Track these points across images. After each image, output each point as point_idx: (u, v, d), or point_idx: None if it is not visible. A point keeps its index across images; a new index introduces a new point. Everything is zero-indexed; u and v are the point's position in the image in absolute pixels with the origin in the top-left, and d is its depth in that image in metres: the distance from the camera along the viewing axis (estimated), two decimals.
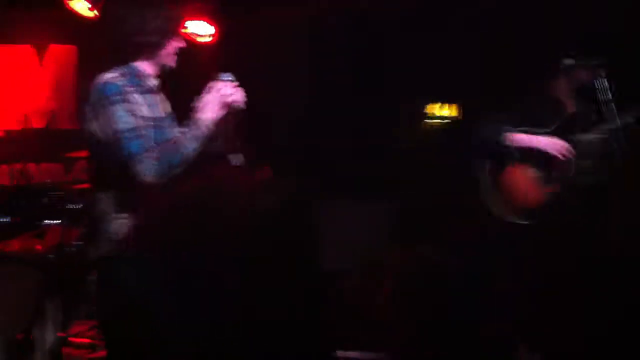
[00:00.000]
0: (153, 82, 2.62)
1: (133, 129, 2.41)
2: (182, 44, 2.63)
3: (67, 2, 4.61)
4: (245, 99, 2.56)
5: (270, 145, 4.54)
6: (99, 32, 4.77)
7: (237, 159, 2.63)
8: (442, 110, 5.37)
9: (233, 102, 2.55)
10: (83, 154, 4.81)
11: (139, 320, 2.47)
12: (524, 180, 3.47)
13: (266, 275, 4.18)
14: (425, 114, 5.35)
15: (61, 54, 5.38)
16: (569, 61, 3.43)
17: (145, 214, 2.53)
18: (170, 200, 2.57)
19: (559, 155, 3.37)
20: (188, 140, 2.47)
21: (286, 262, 4.30)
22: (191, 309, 2.55)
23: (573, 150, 3.38)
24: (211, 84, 2.56)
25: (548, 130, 3.45)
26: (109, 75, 2.48)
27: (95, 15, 4.62)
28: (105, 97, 2.43)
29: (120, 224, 2.50)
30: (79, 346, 3.81)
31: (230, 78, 2.58)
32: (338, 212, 4.77)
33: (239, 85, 2.58)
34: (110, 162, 2.46)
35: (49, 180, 5.01)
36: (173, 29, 2.60)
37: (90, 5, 4.59)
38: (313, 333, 3.50)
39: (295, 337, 3.45)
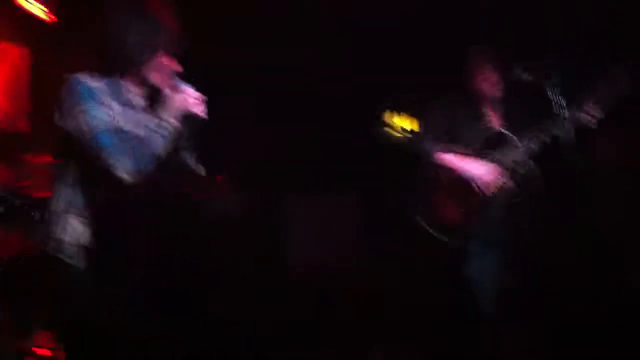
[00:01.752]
0: (137, 100, 2.54)
1: (105, 125, 2.37)
2: (173, 65, 2.53)
3: (21, 2, 4.54)
4: (205, 110, 2.54)
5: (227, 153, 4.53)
6: (54, 35, 4.75)
7: (195, 166, 2.64)
8: (399, 120, 5.44)
9: (193, 109, 2.52)
10: (40, 157, 4.78)
11: (96, 325, 2.46)
12: (449, 198, 3.56)
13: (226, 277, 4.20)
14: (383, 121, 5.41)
15: (13, 54, 5.28)
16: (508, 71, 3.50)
17: (104, 217, 2.52)
18: (129, 203, 2.56)
19: (485, 180, 3.47)
20: (158, 138, 2.44)
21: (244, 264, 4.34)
22: (147, 310, 2.59)
23: (498, 173, 3.46)
24: (177, 86, 2.52)
25: (475, 146, 3.56)
26: (85, 75, 2.44)
27: (51, 18, 4.56)
28: (79, 95, 2.40)
29: (79, 226, 2.48)
30: (41, 358, 3.72)
31: (187, 86, 2.56)
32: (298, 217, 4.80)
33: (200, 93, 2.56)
34: (80, 159, 2.44)
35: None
36: (158, 45, 2.48)
37: (46, 10, 4.53)
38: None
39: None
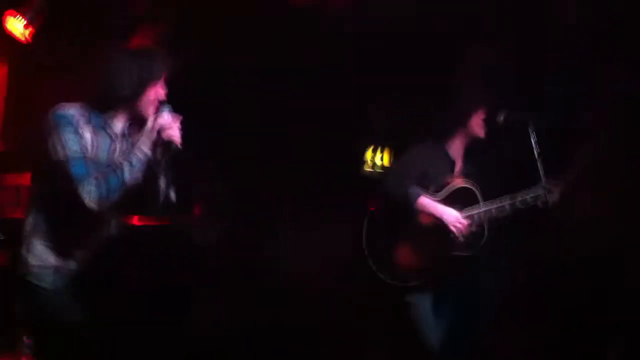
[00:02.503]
0: (117, 129, 2.59)
1: (78, 155, 2.44)
2: (161, 94, 2.58)
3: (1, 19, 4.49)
4: (181, 136, 2.56)
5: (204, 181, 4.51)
6: (31, 54, 4.69)
7: (170, 195, 2.61)
8: (377, 156, 5.45)
9: (170, 137, 2.54)
10: (11, 177, 4.68)
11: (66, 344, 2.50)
12: (418, 244, 3.53)
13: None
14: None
15: None
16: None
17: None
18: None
19: (452, 228, 3.45)
20: (126, 167, 2.48)
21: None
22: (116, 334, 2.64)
23: (465, 224, 3.46)
24: (154, 115, 2.56)
25: (438, 195, 3.53)
26: (68, 105, 2.51)
27: (28, 38, 4.52)
28: (57, 122, 2.46)
29: (44, 250, 2.52)
30: None
31: (169, 110, 2.58)
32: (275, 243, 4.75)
33: (179, 120, 2.58)
34: (53, 186, 2.48)
35: None
36: (150, 79, 2.54)
37: (25, 24, 4.48)
38: None
39: None
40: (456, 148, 3.63)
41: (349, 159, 5.13)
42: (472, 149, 3.65)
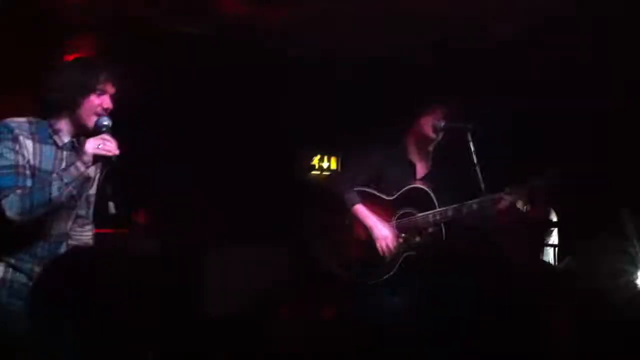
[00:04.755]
0: (62, 139, 2.61)
1: (9, 166, 2.45)
2: (105, 103, 2.60)
3: None
4: (117, 150, 2.56)
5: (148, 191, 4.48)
6: None
7: (109, 206, 2.61)
8: (324, 163, 5.50)
9: (106, 151, 2.55)
10: None
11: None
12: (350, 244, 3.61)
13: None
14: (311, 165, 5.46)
15: None
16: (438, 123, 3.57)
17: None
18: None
19: (378, 244, 3.51)
20: (57, 182, 2.48)
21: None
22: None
23: (391, 245, 3.52)
24: (96, 127, 2.58)
25: (390, 197, 3.60)
26: (12, 118, 2.53)
27: None
28: None
29: None
30: None
31: (107, 122, 2.59)
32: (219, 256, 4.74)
33: (114, 131, 2.59)
34: None
35: None
36: (92, 87, 2.57)
37: None
38: None
39: None
40: (413, 151, 3.68)
41: (294, 165, 5.19)
42: (432, 154, 3.71)
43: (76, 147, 2.61)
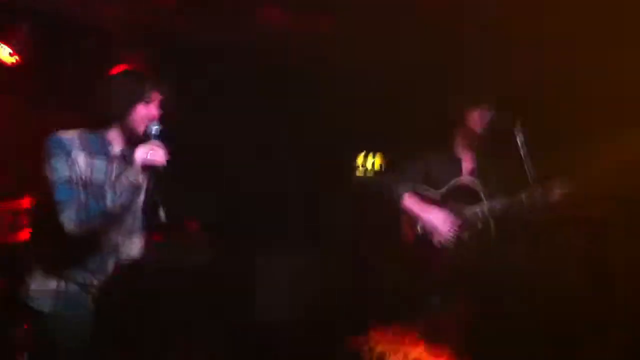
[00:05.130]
0: (114, 150, 2.65)
1: (64, 181, 2.49)
2: (153, 111, 2.64)
3: None
4: (166, 159, 2.59)
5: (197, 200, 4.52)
6: (19, 78, 4.71)
7: (159, 214, 2.66)
8: (369, 161, 5.45)
9: (155, 161, 2.57)
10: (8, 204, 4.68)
11: None
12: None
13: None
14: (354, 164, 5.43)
15: None
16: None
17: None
18: None
19: (441, 230, 3.48)
20: (110, 194, 2.52)
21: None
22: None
23: (455, 224, 3.49)
24: (147, 137, 2.61)
25: (441, 190, 3.57)
26: (62, 132, 2.58)
27: (16, 61, 4.54)
28: (49, 148, 2.53)
29: (44, 275, 2.56)
30: None
31: (157, 129, 2.63)
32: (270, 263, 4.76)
33: (166, 135, 2.62)
34: (43, 211, 2.56)
35: None
36: (141, 97, 2.61)
37: (10, 51, 4.50)
38: None
39: None
40: (460, 147, 3.66)
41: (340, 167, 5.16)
42: (478, 149, 3.67)
43: (126, 157, 2.65)
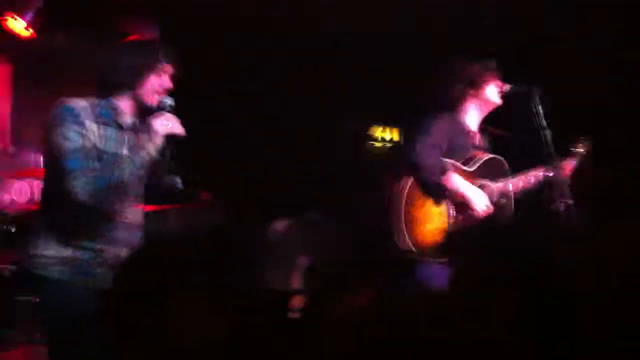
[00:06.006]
0: (125, 120, 2.61)
1: (76, 149, 2.45)
2: (165, 82, 2.60)
3: (2, 20, 4.52)
4: (183, 129, 2.58)
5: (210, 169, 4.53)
6: (35, 51, 4.73)
7: (176, 182, 2.65)
8: (384, 133, 5.42)
9: (173, 132, 2.56)
10: (21, 173, 4.74)
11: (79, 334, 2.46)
12: (438, 217, 3.41)
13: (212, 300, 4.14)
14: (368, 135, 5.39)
15: None
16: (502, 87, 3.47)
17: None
18: None
19: (478, 209, 3.36)
20: (126, 164, 2.50)
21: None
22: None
23: (490, 203, 3.39)
24: (155, 114, 2.57)
25: (470, 169, 3.45)
26: (72, 100, 2.53)
27: (32, 34, 4.55)
28: (59, 115, 2.48)
29: (53, 242, 2.52)
30: None
31: (170, 102, 2.60)
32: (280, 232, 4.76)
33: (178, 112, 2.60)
34: (53, 180, 2.52)
35: None
36: (152, 67, 2.56)
37: (25, 24, 4.51)
38: None
39: None
40: (472, 119, 3.55)
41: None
42: (487, 122, 3.60)
43: (137, 128, 2.62)
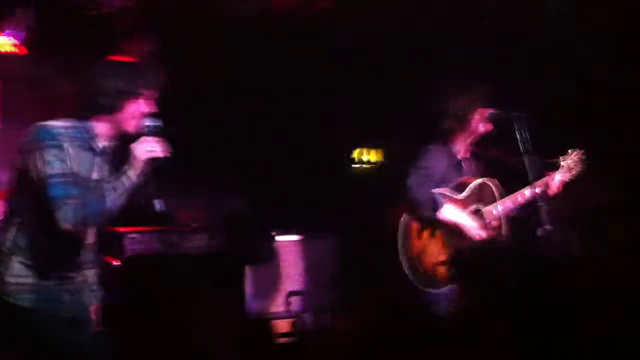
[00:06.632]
0: (102, 144, 2.56)
1: (58, 175, 2.39)
2: (145, 109, 2.54)
3: None
4: (167, 151, 2.54)
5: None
6: (23, 67, 4.72)
7: (159, 205, 2.59)
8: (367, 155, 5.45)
9: (156, 155, 2.53)
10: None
11: None
12: (435, 246, 3.56)
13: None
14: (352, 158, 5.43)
15: None
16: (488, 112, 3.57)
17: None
18: None
19: (473, 236, 3.51)
20: (112, 194, 2.46)
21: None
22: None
23: (484, 228, 3.52)
24: (138, 139, 2.53)
25: (461, 196, 3.57)
26: (50, 122, 2.47)
27: (20, 51, 4.55)
28: (38, 140, 2.42)
29: (23, 268, 2.46)
30: None
31: (154, 124, 2.57)
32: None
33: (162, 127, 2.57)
34: (33, 203, 2.44)
35: None
36: (131, 94, 2.51)
37: (15, 42, 4.52)
38: None
39: None
40: (460, 148, 3.68)
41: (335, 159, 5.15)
42: (473, 148, 3.72)
43: (110, 153, 2.58)
